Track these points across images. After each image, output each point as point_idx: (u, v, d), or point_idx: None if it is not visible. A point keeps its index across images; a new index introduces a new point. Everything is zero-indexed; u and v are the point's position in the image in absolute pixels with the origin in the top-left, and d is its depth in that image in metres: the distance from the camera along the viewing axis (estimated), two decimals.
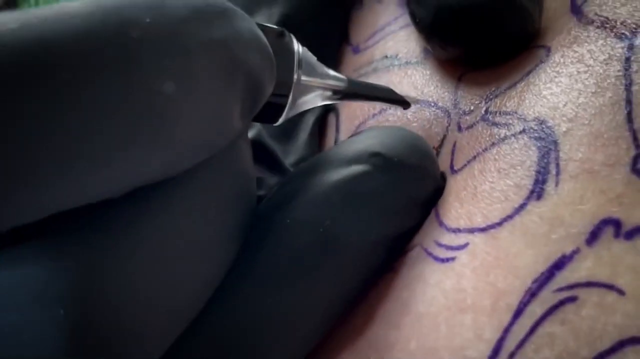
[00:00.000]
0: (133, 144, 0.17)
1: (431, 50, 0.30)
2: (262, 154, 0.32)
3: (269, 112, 0.24)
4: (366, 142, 0.24)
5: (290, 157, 0.32)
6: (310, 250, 0.22)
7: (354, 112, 0.32)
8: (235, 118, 0.20)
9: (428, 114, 0.29)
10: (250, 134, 0.32)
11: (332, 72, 0.26)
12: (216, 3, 0.20)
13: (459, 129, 0.28)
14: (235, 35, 0.20)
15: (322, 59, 0.26)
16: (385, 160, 0.24)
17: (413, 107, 0.30)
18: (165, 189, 0.20)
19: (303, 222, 0.23)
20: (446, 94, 0.29)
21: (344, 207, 0.23)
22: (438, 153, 0.28)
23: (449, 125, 0.28)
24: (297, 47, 0.24)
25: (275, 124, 0.25)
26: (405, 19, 0.33)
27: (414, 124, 0.29)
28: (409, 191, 0.25)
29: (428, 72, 0.30)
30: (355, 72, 0.33)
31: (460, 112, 0.28)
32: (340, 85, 0.26)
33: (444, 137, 0.28)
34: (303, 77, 0.24)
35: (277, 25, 0.24)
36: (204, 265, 0.21)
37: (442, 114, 0.29)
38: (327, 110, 0.34)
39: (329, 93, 0.26)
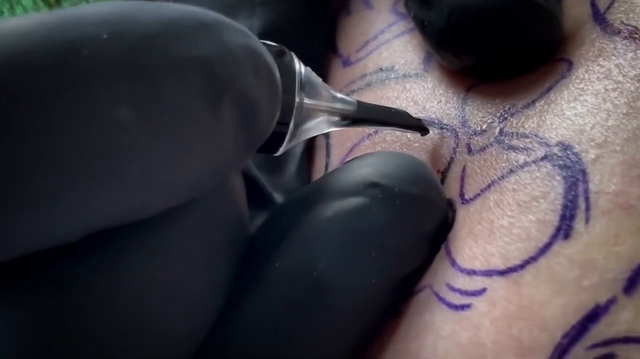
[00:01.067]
0: (81, 182, 0.15)
1: (440, 59, 0.27)
2: (249, 187, 0.29)
3: (268, 140, 0.21)
4: (362, 171, 0.22)
5: (278, 191, 0.30)
6: (302, 300, 0.20)
7: (346, 133, 0.29)
8: (227, 151, 0.18)
9: (432, 133, 0.26)
10: None
11: (339, 95, 0.24)
12: (198, 15, 0.18)
13: (469, 151, 0.25)
14: (221, 53, 0.17)
15: (316, 68, 0.24)
16: (385, 191, 0.22)
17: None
18: (138, 232, 0.18)
19: (293, 267, 0.21)
20: (452, 110, 0.26)
21: (340, 247, 0.21)
22: (444, 178, 0.26)
23: (457, 146, 0.26)
24: (299, 66, 0.22)
25: (275, 155, 0.23)
26: (400, 26, 0.30)
27: (416, 145, 0.27)
28: (413, 226, 0.22)
29: (430, 86, 0.28)
30: (346, 87, 0.31)
31: (470, 131, 0.25)
32: (349, 109, 0.24)
33: (451, 159, 0.26)
34: (306, 101, 0.22)
35: (261, 38, 0.22)
36: (183, 321, 0.19)
37: (449, 134, 0.26)
38: None
39: (335, 118, 0.24)
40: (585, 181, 0.21)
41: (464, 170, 0.25)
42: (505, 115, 0.25)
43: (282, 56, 0.22)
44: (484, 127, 0.25)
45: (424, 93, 0.28)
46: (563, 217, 0.21)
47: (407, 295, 0.23)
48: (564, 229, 0.21)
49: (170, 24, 0.17)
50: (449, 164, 0.26)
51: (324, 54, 0.33)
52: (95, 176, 0.16)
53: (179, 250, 0.19)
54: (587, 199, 0.21)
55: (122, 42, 0.16)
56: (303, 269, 0.20)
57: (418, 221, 0.22)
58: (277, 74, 0.20)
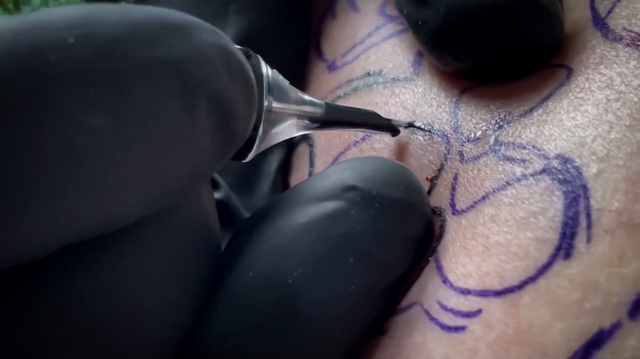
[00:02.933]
0: (52, 193, 0.15)
1: (435, 60, 0.26)
2: (220, 210, 0.28)
3: None
4: (339, 175, 0.21)
5: (250, 211, 0.29)
6: (277, 309, 0.19)
7: (331, 141, 0.28)
8: (204, 155, 0.18)
9: (421, 138, 0.26)
10: None
11: (307, 97, 0.24)
12: (166, 17, 0.17)
13: (461, 158, 0.24)
14: (192, 53, 0.17)
15: (287, 77, 0.23)
16: (363, 194, 0.21)
17: (404, 132, 0.26)
18: (105, 245, 0.17)
19: (267, 275, 0.20)
20: (444, 114, 0.25)
21: (315, 254, 0.20)
22: (433, 185, 0.24)
23: (448, 153, 0.25)
24: (266, 70, 0.22)
25: (244, 161, 0.22)
26: (389, 28, 0.29)
27: (405, 151, 0.26)
28: (394, 231, 0.21)
29: (420, 90, 0.27)
30: (331, 93, 0.29)
31: (463, 138, 0.24)
32: (318, 111, 0.24)
33: (442, 166, 0.25)
34: (275, 104, 0.22)
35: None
36: (151, 333, 0.18)
37: (439, 139, 0.25)
38: (298, 140, 0.30)
39: (305, 121, 0.24)
40: (587, 197, 0.20)
41: (455, 179, 0.24)
42: (501, 123, 0.24)
43: (248, 59, 0.21)
44: (477, 134, 0.24)
45: (414, 97, 0.27)
46: (563, 236, 0.20)
47: (393, 310, 0.22)
48: (564, 248, 0.20)
49: (139, 25, 0.16)
50: (439, 170, 0.25)
51: (303, 60, 0.33)
52: (67, 187, 0.15)
53: (146, 262, 0.18)
54: (588, 216, 0.20)
55: (89, 46, 0.15)
56: (277, 278, 0.20)
57: (399, 225, 0.21)
58: (251, 73, 0.19)
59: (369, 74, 0.28)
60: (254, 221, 0.22)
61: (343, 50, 0.30)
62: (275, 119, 0.22)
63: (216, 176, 0.28)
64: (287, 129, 0.23)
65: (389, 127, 0.25)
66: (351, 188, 0.21)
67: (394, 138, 0.26)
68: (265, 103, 0.21)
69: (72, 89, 0.15)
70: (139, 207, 0.17)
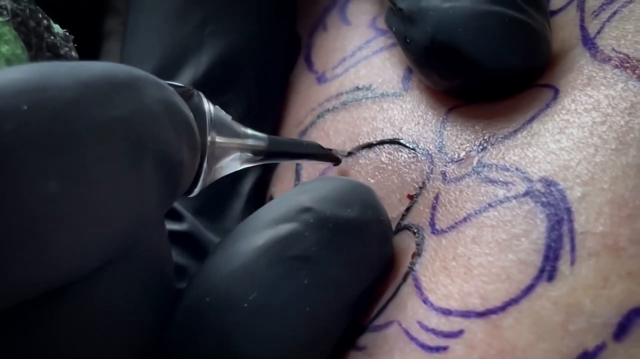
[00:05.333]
0: (7, 257, 0.15)
1: (423, 77, 0.26)
2: (186, 242, 0.28)
3: None
4: (296, 198, 0.22)
5: (221, 235, 0.29)
6: (234, 334, 0.20)
7: None
8: (150, 204, 0.18)
9: (406, 156, 0.25)
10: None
11: (250, 131, 0.24)
12: (115, 73, 0.17)
13: (444, 179, 0.24)
14: (141, 110, 0.17)
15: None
16: (316, 215, 0.21)
17: (388, 148, 0.26)
18: (53, 297, 0.17)
19: (222, 300, 0.20)
20: (429, 133, 0.25)
21: (270, 276, 0.20)
22: (413, 203, 0.24)
23: (431, 172, 0.24)
24: (208, 106, 0.22)
25: (190, 196, 0.22)
26: (379, 42, 0.29)
27: (389, 168, 0.26)
28: (350, 250, 0.21)
29: (408, 106, 0.27)
30: (320, 106, 0.29)
31: (447, 158, 0.24)
32: (261, 144, 0.24)
33: (423, 185, 0.24)
34: (218, 139, 0.22)
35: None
36: None
37: (423, 158, 0.25)
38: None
39: (248, 155, 0.24)
40: (571, 220, 0.20)
41: (436, 198, 0.24)
42: (485, 144, 0.24)
43: (190, 98, 0.22)
44: (461, 155, 0.24)
45: (401, 114, 0.27)
46: (546, 258, 0.20)
47: (368, 327, 0.22)
48: (547, 270, 0.20)
49: (89, 85, 0.16)
50: (420, 188, 0.24)
51: (282, 79, 0.33)
52: (23, 250, 0.15)
53: (99, 308, 0.18)
54: (572, 239, 0.20)
55: (43, 112, 0.15)
56: (233, 302, 0.20)
57: (354, 244, 0.22)
58: (194, 125, 0.20)
59: (358, 88, 0.28)
60: (217, 247, 0.22)
61: (333, 63, 0.30)
62: (220, 153, 0.23)
63: (179, 207, 0.29)
64: (232, 163, 0.23)
65: (331, 157, 0.26)
66: (306, 210, 0.21)
67: (382, 155, 0.26)
68: (209, 138, 0.22)
69: (27, 157, 0.15)
70: (92, 260, 0.17)
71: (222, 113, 0.23)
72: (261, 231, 0.21)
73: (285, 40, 0.33)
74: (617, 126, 0.21)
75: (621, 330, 0.18)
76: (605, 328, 0.18)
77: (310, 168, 0.28)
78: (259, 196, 0.30)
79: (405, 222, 0.24)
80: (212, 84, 0.30)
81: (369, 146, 0.27)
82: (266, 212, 0.22)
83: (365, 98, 0.28)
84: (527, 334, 0.19)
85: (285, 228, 0.21)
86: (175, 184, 0.19)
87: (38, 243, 0.15)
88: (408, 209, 0.24)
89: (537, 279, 0.20)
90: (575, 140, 0.21)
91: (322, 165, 0.27)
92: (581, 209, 0.20)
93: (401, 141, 0.26)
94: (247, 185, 0.30)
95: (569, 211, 0.20)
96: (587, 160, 0.21)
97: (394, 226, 0.24)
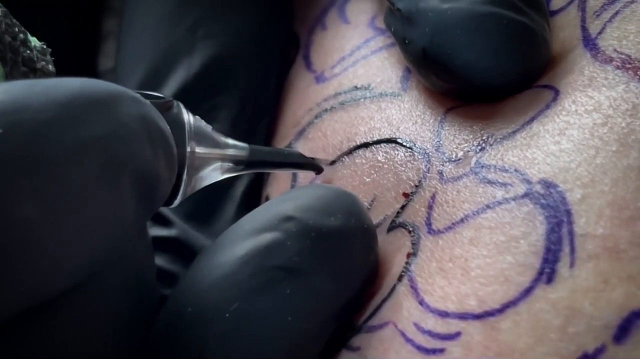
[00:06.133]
0: None
1: (422, 79, 0.26)
2: (176, 247, 0.28)
3: None
4: (279, 206, 0.22)
5: (214, 238, 0.28)
6: (216, 344, 0.20)
7: (314, 154, 0.28)
8: (128, 219, 0.18)
9: (402, 154, 0.25)
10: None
11: (230, 141, 0.24)
12: (91, 91, 0.17)
13: (441, 178, 0.24)
14: (117, 128, 0.17)
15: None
16: (299, 224, 0.21)
17: (385, 147, 0.26)
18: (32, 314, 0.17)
19: (204, 311, 0.20)
20: (427, 133, 0.25)
21: (252, 286, 0.20)
22: (409, 201, 0.24)
23: (428, 171, 0.24)
24: (188, 117, 0.22)
25: (171, 206, 0.23)
26: (378, 41, 0.29)
27: (385, 166, 0.26)
28: (333, 259, 0.21)
29: (406, 106, 0.26)
30: (318, 105, 0.29)
31: (444, 158, 0.24)
32: (241, 154, 0.24)
33: (419, 183, 0.24)
34: (198, 150, 0.23)
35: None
36: None
37: (420, 157, 0.25)
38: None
39: (229, 164, 0.24)
40: (570, 222, 0.20)
41: (433, 198, 0.23)
42: (483, 145, 0.23)
43: (170, 109, 0.22)
44: (459, 155, 0.24)
45: (399, 114, 0.26)
46: (545, 260, 0.20)
47: (362, 327, 0.22)
48: (546, 272, 0.19)
49: (64, 105, 0.16)
50: (416, 187, 0.24)
51: (280, 78, 0.33)
52: (1, 274, 0.15)
53: (78, 323, 0.18)
54: (571, 241, 0.19)
55: (19, 134, 0.15)
56: (215, 313, 0.20)
57: (337, 253, 0.22)
58: (171, 138, 0.20)
59: (356, 87, 0.28)
60: (201, 256, 0.22)
61: (332, 62, 0.30)
62: (200, 163, 0.23)
63: (168, 212, 0.29)
64: (212, 173, 0.24)
65: (313, 166, 0.26)
66: (289, 219, 0.21)
67: (378, 154, 0.26)
68: (188, 149, 0.22)
69: (4, 181, 0.15)
70: (69, 279, 0.17)
71: (203, 123, 0.23)
72: (243, 240, 0.21)
73: (280, 41, 0.33)
74: (618, 127, 0.21)
75: (622, 332, 0.18)
76: (606, 331, 0.18)
77: None
78: (253, 198, 0.30)
79: (400, 219, 0.24)
80: (204, 86, 0.30)
81: (366, 145, 0.26)
82: (248, 221, 0.22)
83: (364, 98, 0.28)
84: (526, 337, 0.19)
85: (267, 237, 0.21)
86: (152, 198, 0.19)
87: (14, 267, 0.15)
88: (403, 207, 0.24)
89: (536, 281, 0.19)
90: (575, 142, 0.21)
91: (320, 156, 0.27)
92: (581, 211, 0.20)
93: (398, 140, 0.26)
94: (240, 188, 0.30)
95: (568, 213, 0.20)
96: (588, 162, 0.20)
97: (388, 224, 0.24)
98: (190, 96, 0.29)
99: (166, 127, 0.20)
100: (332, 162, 0.27)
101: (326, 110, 0.29)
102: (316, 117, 0.29)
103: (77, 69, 0.35)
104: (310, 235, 0.21)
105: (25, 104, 0.16)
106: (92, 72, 0.36)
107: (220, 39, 0.31)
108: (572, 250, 0.19)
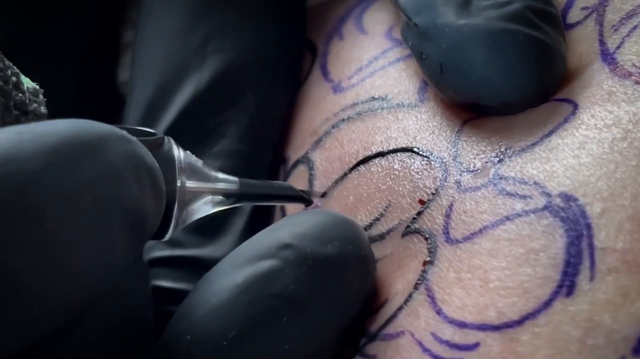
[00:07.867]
0: None
1: (439, 92, 0.26)
2: (184, 262, 0.29)
3: None
4: (277, 233, 0.22)
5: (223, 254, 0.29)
6: None
7: (331, 164, 0.28)
8: (118, 255, 0.18)
9: (419, 163, 0.25)
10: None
11: (221, 175, 0.25)
12: (79, 134, 0.17)
13: (459, 187, 0.24)
14: (106, 170, 0.18)
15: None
16: (297, 252, 0.21)
17: (401, 156, 0.26)
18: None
19: (202, 338, 0.20)
20: (444, 143, 0.25)
21: (249, 314, 0.20)
22: (425, 208, 0.24)
23: (445, 180, 0.24)
24: (178, 152, 0.23)
25: (163, 240, 0.23)
26: (396, 52, 0.29)
27: (401, 174, 0.26)
28: (330, 286, 0.22)
29: (424, 117, 0.26)
30: (335, 116, 0.29)
31: (462, 167, 0.24)
32: (232, 187, 0.25)
33: (436, 191, 0.24)
34: (188, 184, 0.23)
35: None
36: None
37: (437, 165, 0.25)
38: (296, 161, 0.30)
39: (219, 198, 0.24)
40: (590, 236, 0.20)
41: (451, 207, 0.23)
42: (502, 156, 0.23)
43: (160, 146, 0.22)
44: (477, 165, 0.24)
45: (416, 124, 0.26)
46: (565, 273, 0.20)
47: (376, 335, 0.22)
48: (566, 285, 0.20)
49: (53, 151, 0.16)
50: (433, 195, 0.24)
51: (292, 89, 0.33)
52: None
53: (74, 355, 0.19)
54: (591, 254, 0.20)
55: (10, 185, 0.15)
56: (213, 341, 0.20)
57: (333, 281, 0.22)
58: (159, 174, 0.20)
59: (374, 98, 0.28)
60: (199, 284, 0.22)
61: (349, 72, 0.30)
62: (190, 197, 0.23)
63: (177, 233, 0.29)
64: (203, 206, 0.24)
65: (303, 199, 0.26)
66: (286, 246, 0.21)
67: (394, 162, 0.26)
68: (178, 183, 0.22)
69: None
70: (61, 319, 0.17)
71: (193, 158, 0.24)
72: (241, 267, 0.21)
73: (291, 54, 0.33)
74: (638, 142, 0.21)
75: None
76: (625, 343, 0.18)
77: (324, 178, 0.28)
78: (262, 211, 0.30)
79: (416, 225, 0.24)
80: (213, 101, 0.30)
81: (382, 154, 0.26)
82: (247, 248, 0.22)
83: (381, 108, 0.28)
84: (545, 349, 0.19)
85: (265, 265, 0.21)
86: (141, 233, 0.19)
87: (3, 315, 0.15)
88: (419, 213, 0.24)
89: (556, 294, 0.20)
90: (595, 156, 0.21)
91: (334, 175, 0.27)
92: (601, 224, 0.20)
93: (414, 149, 0.26)
94: (241, 219, 0.30)
95: (588, 226, 0.20)
96: (607, 176, 0.20)
97: (403, 228, 0.24)
98: (199, 111, 0.30)
99: (153, 162, 0.20)
100: (324, 195, 0.27)
101: (343, 120, 0.29)
102: (333, 126, 0.29)
103: (100, 81, 0.36)
104: (307, 263, 0.21)
105: (16, 153, 0.16)
106: (113, 84, 0.36)
107: (230, 53, 0.31)
108: (592, 263, 0.19)
